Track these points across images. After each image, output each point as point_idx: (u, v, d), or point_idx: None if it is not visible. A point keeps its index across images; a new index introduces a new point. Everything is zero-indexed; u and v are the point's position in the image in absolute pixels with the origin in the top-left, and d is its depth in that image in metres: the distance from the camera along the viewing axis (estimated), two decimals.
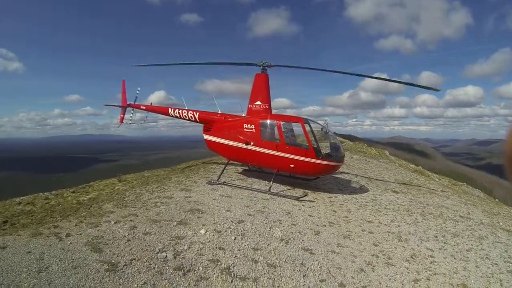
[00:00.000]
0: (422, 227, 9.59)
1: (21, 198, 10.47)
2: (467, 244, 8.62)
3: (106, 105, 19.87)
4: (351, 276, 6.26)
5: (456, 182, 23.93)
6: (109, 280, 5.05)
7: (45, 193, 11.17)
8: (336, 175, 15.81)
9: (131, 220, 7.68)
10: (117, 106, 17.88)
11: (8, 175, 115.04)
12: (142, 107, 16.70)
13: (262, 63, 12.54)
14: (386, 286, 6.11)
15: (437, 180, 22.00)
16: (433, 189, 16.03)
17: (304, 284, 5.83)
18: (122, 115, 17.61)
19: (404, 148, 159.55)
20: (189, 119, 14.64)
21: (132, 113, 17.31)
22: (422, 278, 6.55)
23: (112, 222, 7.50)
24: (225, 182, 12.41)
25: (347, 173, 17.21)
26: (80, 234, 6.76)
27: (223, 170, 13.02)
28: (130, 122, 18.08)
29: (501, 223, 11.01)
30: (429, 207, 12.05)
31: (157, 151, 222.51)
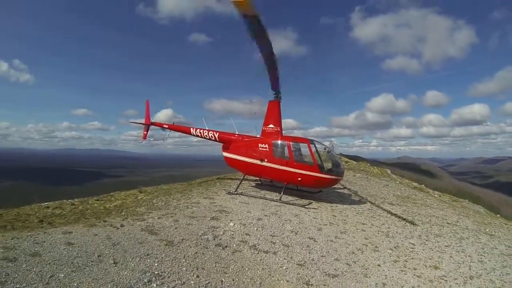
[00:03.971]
0: (408, 229, 11.27)
1: (47, 203, 12.03)
2: (447, 242, 10.23)
3: (131, 122, 21.88)
4: (345, 255, 8.25)
5: (456, 199, 24.70)
6: (170, 250, 6.98)
7: (69, 200, 12.79)
8: (338, 190, 17.49)
9: (171, 216, 9.59)
10: (141, 123, 19.68)
11: (15, 185, 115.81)
12: (164, 125, 18.49)
13: (276, 92, 14.38)
14: (371, 263, 8.01)
15: (436, 196, 22.96)
16: (429, 203, 17.34)
17: (309, 257, 7.86)
18: (145, 132, 19.42)
19: (410, 168, 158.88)
20: (209, 138, 16.54)
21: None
22: (401, 260, 8.38)
23: (156, 218, 9.39)
24: (242, 192, 14.21)
25: (349, 188, 18.78)
26: (132, 225, 8.59)
27: (240, 183, 14.86)
28: (152, 139, 19.93)
29: (487, 230, 12.36)
30: (420, 216, 13.58)
31: (163, 169, 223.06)
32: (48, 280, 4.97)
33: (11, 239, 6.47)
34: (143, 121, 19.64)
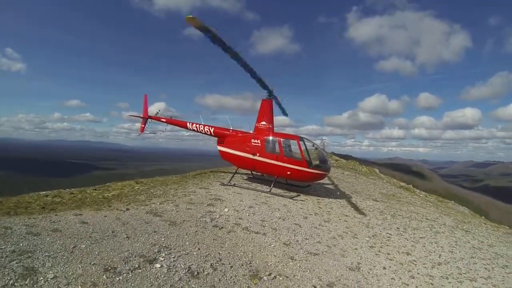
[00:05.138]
0: (388, 222, 12.27)
1: (45, 192, 12.55)
2: (422, 234, 11.20)
3: (130, 115, 22.57)
4: (326, 239, 9.31)
5: (443, 199, 25.75)
6: (173, 229, 7.96)
7: (67, 189, 13.38)
8: (326, 186, 18.53)
9: (172, 202, 10.53)
10: (139, 117, 20.36)
11: (4, 175, 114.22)
12: (162, 119, 19.20)
13: (270, 90, 15.40)
14: (350, 247, 9.06)
15: (422, 196, 24.01)
16: (412, 202, 18.33)
17: (294, 239, 8.91)
18: (142, 125, 20.08)
19: (401, 169, 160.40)
20: (204, 133, 17.41)
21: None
22: (377, 246, 9.41)
23: (158, 203, 10.30)
24: (235, 184, 15.18)
25: (336, 184, 19.79)
26: (137, 209, 9.46)
27: (233, 175, 15.87)
28: (148, 132, 20.62)
29: (464, 227, 13.17)
30: (401, 211, 14.53)
31: (154, 162, 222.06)
32: (72, 250, 5.80)
33: (29, 219, 7.19)
34: (141, 114, 20.20)
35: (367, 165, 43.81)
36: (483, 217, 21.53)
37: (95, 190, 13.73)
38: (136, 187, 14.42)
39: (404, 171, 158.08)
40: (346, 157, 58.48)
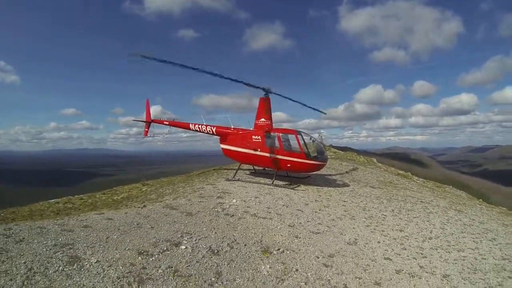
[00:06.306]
0: (384, 205, 13.16)
1: (56, 199, 13.20)
2: (416, 214, 12.05)
3: (134, 120, 23.47)
4: (326, 221, 10.33)
5: (440, 185, 26.18)
6: (190, 218, 8.93)
7: (75, 196, 14.02)
8: (325, 176, 19.44)
9: (184, 197, 11.47)
10: (142, 121, 21.24)
11: (4, 188, 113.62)
12: (165, 122, 20.08)
13: (266, 89, 16.29)
14: (348, 227, 10.07)
15: (419, 182, 24.79)
16: (409, 187, 19.14)
17: (298, 221, 9.94)
18: (146, 129, 20.96)
19: (400, 158, 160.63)
20: (207, 133, 18.30)
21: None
22: (373, 225, 10.38)
23: (171, 199, 11.21)
24: (239, 179, 16.13)
25: (335, 174, 20.72)
26: (153, 205, 10.32)
27: (236, 171, 16.82)
28: (151, 136, 21.43)
29: (457, 208, 13.86)
30: (397, 196, 15.36)
31: (154, 166, 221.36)
32: (106, 240, 6.67)
33: (57, 220, 7.96)
34: (143, 118, 21.14)
35: (365, 155, 44.50)
36: (480, 199, 21.81)
37: (104, 194, 14.47)
38: (144, 189, 15.27)
39: (402, 159, 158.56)
40: (345, 149, 58.91)
